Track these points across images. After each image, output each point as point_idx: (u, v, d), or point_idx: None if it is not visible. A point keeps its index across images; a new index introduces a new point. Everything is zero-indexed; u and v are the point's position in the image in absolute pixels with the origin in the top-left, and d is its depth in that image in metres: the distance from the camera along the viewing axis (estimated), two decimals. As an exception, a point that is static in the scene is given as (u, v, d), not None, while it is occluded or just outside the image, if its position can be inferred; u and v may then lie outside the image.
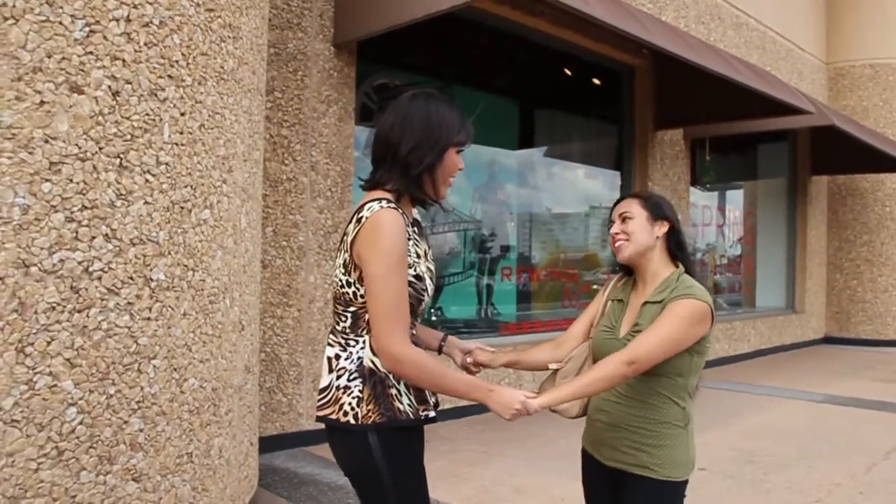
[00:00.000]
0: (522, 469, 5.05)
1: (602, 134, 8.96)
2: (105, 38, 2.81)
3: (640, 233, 2.29)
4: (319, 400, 2.07)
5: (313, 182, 5.49)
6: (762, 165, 12.28)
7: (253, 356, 4.05)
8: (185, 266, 3.24)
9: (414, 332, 2.14)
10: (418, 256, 2.08)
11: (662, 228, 2.30)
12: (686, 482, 2.28)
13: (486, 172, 7.98)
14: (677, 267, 2.32)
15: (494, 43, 7.41)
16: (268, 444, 5.23)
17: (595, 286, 8.82)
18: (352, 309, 2.03)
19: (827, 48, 12.40)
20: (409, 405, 2.03)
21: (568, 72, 8.40)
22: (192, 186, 3.26)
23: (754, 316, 11.07)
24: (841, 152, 10.77)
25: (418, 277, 2.04)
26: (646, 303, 2.24)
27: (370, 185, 2.11)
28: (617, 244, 2.33)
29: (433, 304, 7.26)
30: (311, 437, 5.46)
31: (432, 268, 2.17)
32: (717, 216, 11.62)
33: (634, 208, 2.32)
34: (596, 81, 8.70)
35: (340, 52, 5.63)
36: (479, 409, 2.12)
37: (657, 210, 2.32)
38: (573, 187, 8.81)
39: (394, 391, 2.02)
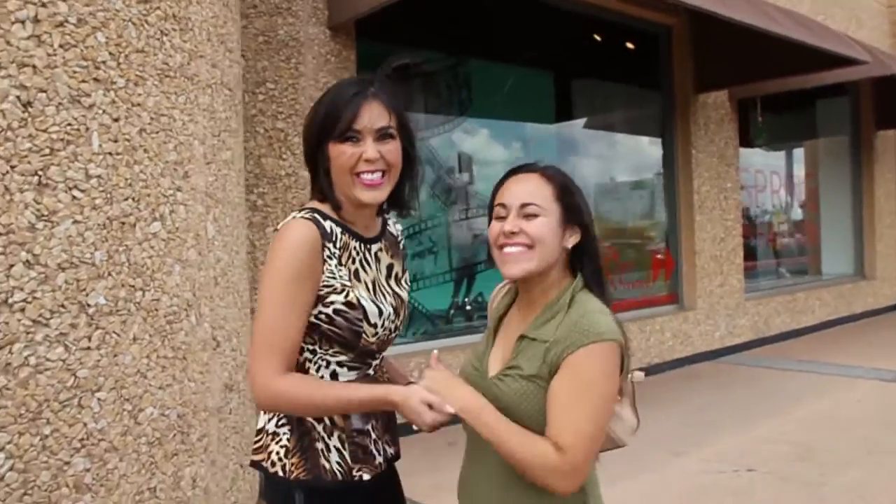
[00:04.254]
0: None
1: (641, 101, 8.39)
2: (8, 42, 2.52)
3: (549, 242, 1.60)
4: (255, 442, 1.78)
5: (314, 176, 5.16)
6: (822, 123, 11.44)
7: (237, 372, 3.76)
8: (132, 287, 2.95)
9: (371, 372, 1.80)
10: (357, 279, 1.72)
11: (574, 238, 1.65)
12: None
13: (520, 149, 7.55)
14: (574, 278, 1.68)
15: (516, 11, 6.92)
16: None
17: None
18: None
19: (890, -9, 11.47)
20: (337, 463, 1.70)
21: (599, 38, 7.86)
22: (134, 199, 2.96)
23: (819, 285, 10.36)
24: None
25: (350, 304, 1.68)
26: (523, 336, 1.63)
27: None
28: (509, 251, 1.60)
29: (464, 302, 6.85)
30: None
31: (387, 293, 1.80)
32: (774, 180, 10.90)
33: (545, 200, 1.61)
34: (630, 46, 8.13)
35: (337, 34, 5.27)
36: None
37: (573, 211, 1.63)
38: (611, 159, 8.29)
39: (320, 445, 1.70)
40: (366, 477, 1.73)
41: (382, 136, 1.69)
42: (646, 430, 5.25)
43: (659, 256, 8.15)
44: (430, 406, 1.53)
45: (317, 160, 1.74)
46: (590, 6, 7.02)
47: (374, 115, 1.67)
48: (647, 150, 8.39)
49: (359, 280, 1.73)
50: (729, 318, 8.38)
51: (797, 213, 11.46)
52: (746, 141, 9.86)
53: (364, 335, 1.71)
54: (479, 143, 7.07)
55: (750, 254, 9.84)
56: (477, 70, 6.91)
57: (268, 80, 5.00)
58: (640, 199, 8.51)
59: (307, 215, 1.68)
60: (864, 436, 5.31)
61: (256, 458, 1.76)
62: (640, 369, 1.75)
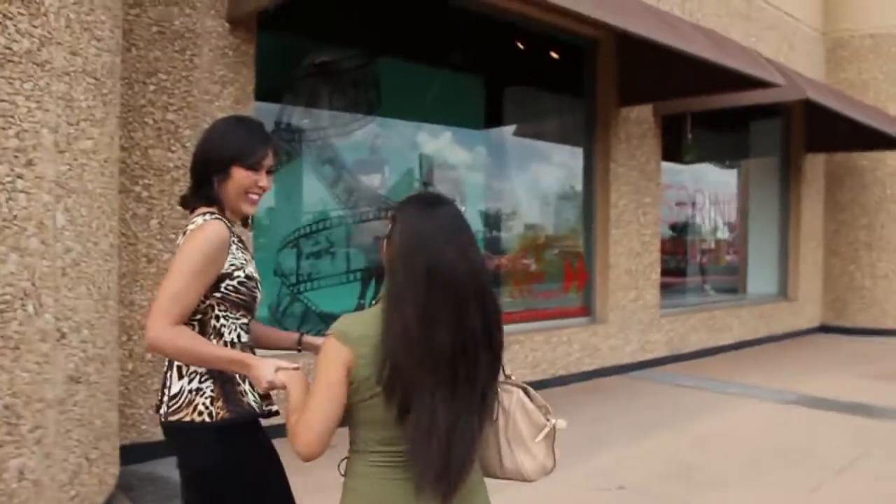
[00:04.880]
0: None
1: (565, 112, 8.44)
2: None
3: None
4: (170, 406, 2.17)
5: (206, 170, 5.11)
6: (754, 143, 11.63)
7: (88, 364, 3.69)
8: (-48, 274, 2.89)
9: (247, 330, 2.33)
10: (245, 261, 2.30)
11: None
12: None
13: (430, 152, 7.53)
14: None
15: (436, 13, 6.85)
16: (155, 451, 4.91)
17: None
18: (198, 316, 2.20)
19: (825, 17, 11.65)
20: (254, 400, 2.23)
21: (524, 46, 7.87)
22: (-41, 184, 2.90)
23: (739, 304, 10.48)
24: (836, 129, 10.11)
25: (249, 277, 2.28)
26: None
27: (192, 202, 2.33)
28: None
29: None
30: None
31: (257, 276, 2.38)
32: (700, 198, 11.03)
33: None
34: (555, 56, 8.16)
35: (236, 27, 5.22)
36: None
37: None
38: (531, 168, 8.32)
39: (240, 388, 2.21)
40: (273, 409, 2.29)
41: (269, 171, 2.34)
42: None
43: (573, 268, 8.19)
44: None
45: (212, 175, 2.26)
46: (515, 15, 7.02)
47: (272, 156, 2.35)
48: (569, 160, 8.40)
49: (246, 262, 2.30)
50: (642, 333, 8.45)
51: (724, 232, 11.61)
52: (675, 157, 9.99)
53: (257, 299, 2.32)
54: (386, 145, 7.04)
55: (671, 270, 9.95)
56: (390, 70, 6.89)
57: (160, 70, 4.94)
58: (559, 210, 8.53)
59: (216, 218, 2.23)
60: (746, 457, 5.36)
61: (177, 416, 2.15)
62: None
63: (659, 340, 8.69)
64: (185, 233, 2.21)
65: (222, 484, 2.17)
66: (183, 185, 5.02)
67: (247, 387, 2.20)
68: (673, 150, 9.82)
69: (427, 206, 1.78)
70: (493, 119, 8.06)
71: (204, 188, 2.26)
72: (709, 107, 8.24)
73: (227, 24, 5.18)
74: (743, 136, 11.58)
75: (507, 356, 6.05)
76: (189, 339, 2.09)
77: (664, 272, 9.01)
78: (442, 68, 7.35)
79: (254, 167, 2.27)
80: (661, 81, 7.53)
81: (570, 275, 8.16)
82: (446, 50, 7.17)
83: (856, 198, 11.60)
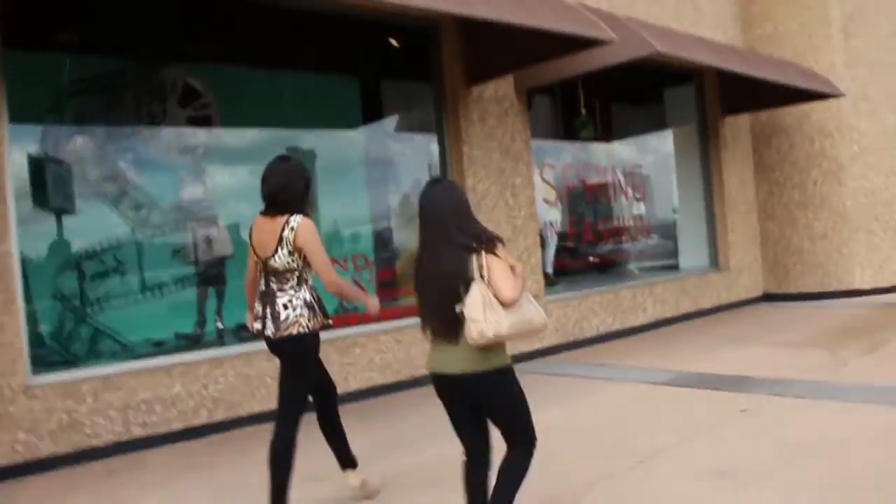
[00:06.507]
0: None
1: (417, 100, 8.01)
2: None
3: None
4: (282, 327, 3.72)
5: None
6: (670, 113, 10.98)
7: None
8: None
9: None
10: None
11: None
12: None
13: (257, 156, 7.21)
14: None
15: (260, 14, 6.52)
16: None
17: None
18: (297, 274, 3.78)
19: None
20: (322, 319, 3.86)
21: (362, 37, 7.48)
22: None
23: (652, 282, 9.74)
24: (747, 89, 9.51)
25: None
26: None
27: (278, 211, 3.77)
28: None
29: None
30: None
31: None
32: (613, 174, 10.49)
33: None
34: (396, 44, 7.75)
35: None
36: None
37: None
38: (386, 161, 7.95)
39: (318, 313, 3.85)
40: (330, 323, 3.94)
41: None
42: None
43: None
44: None
45: (302, 193, 3.84)
46: (342, 6, 6.55)
47: None
48: (427, 149, 7.96)
49: None
50: (527, 322, 7.89)
51: (640, 208, 11.03)
52: (573, 133, 9.55)
53: None
54: (208, 155, 6.74)
55: (578, 252, 9.46)
56: (200, 75, 6.61)
57: None
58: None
59: (308, 218, 3.81)
60: (554, 448, 4.87)
61: (289, 331, 3.73)
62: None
63: (547, 329, 8.09)
64: (292, 228, 3.69)
65: (309, 360, 3.85)
66: None
67: (318, 312, 3.83)
68: (570, 127, 9.37)
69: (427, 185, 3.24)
70: (342, 117, 7.71)
71: (298, 202, 3.78)
72: (565, 74, 7.68)
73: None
74: (658, 106, 10.96)
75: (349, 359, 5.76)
76: (348, 283, 4.18)
77: (570, 255, 8.51)
78: (261, 69, 7.04)
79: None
80: (499, 55, 7.08)
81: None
82: (256, 49, 6.84)
83: (784, 157, 10.90)
